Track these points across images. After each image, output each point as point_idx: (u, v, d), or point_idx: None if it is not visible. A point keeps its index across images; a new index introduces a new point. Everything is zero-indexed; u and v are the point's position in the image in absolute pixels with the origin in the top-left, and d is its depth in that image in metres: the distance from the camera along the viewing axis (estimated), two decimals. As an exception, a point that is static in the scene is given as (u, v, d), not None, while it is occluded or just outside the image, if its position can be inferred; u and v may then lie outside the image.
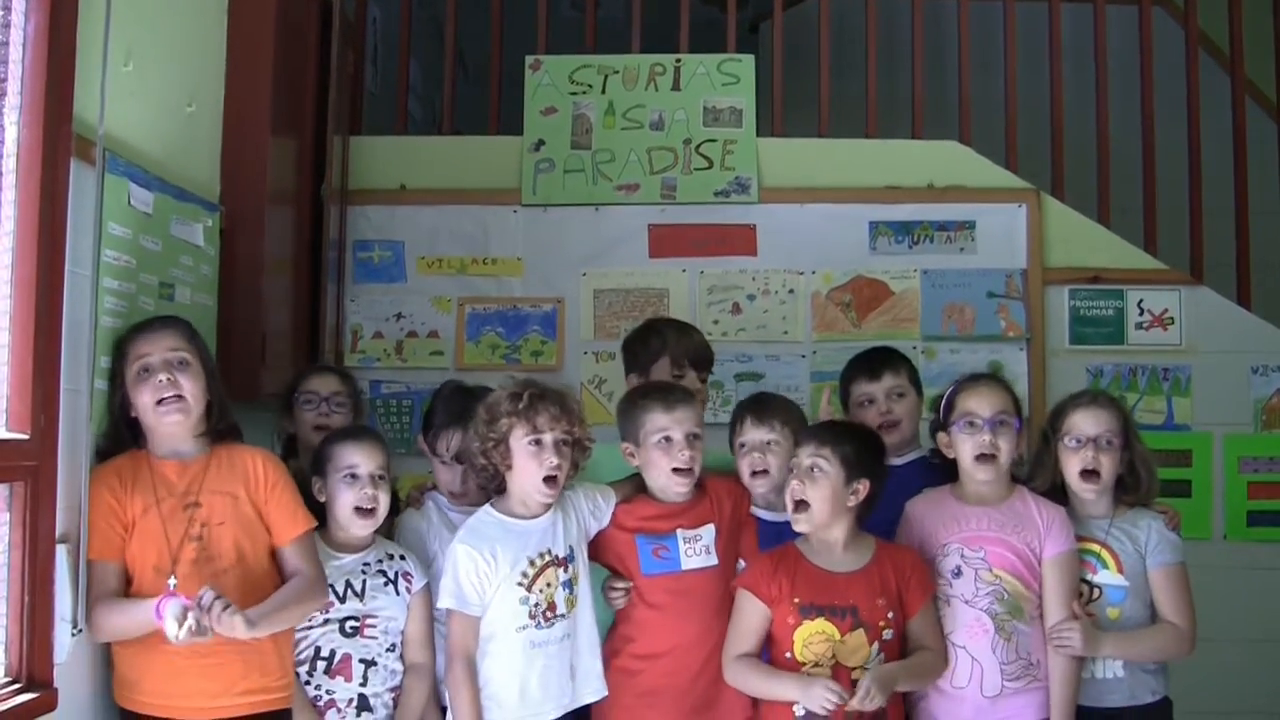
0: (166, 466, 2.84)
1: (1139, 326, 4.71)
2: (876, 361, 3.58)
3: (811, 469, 2.97)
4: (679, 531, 3.11)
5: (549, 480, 2.96)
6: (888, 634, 2.98)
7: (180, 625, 2.53)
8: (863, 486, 2.98)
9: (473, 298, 4.73)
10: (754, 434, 3.18)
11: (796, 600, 2.98)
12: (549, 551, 3.01)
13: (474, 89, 5.21)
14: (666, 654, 3.09)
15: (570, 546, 3.04)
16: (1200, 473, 4.66)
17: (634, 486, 3.20)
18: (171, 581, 2.69)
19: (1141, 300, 4.71)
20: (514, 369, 4.52)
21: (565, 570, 3.01)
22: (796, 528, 3.00)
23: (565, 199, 4.74)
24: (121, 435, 2.86)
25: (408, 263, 4.74)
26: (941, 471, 3.31)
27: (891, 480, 3.15)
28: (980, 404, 3.13)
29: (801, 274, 4.71)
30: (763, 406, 3.23)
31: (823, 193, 4.73)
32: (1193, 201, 4.93)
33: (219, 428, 2.91)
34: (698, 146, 4.75)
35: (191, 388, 2.82)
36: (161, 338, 2.84)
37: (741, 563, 3.18)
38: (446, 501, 3.32)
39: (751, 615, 3.03)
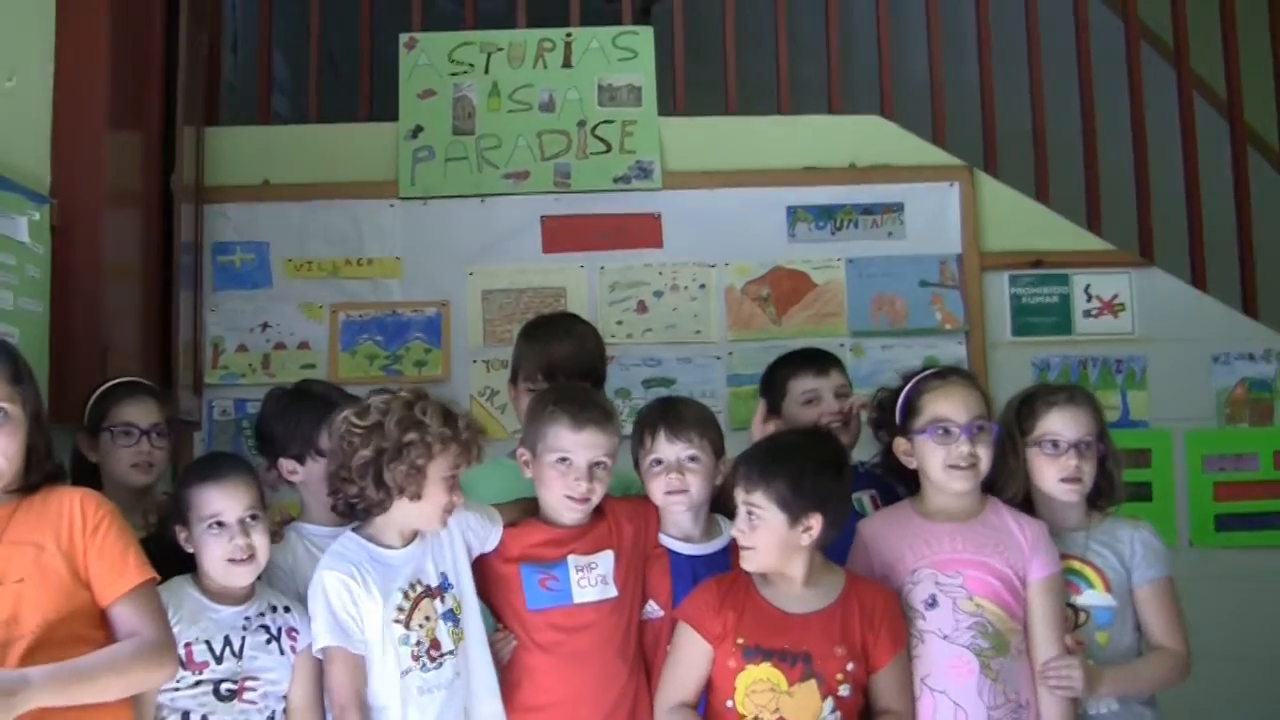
0: None
1: (1087, 314, 4.63)
2: (822, 357, 3.45)
3: (749, 515, 2.75)
4: (570, 558, 2.88)
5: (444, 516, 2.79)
6: (844, 690, 2.74)
7: None
8: (815, 522, 2.75)
9: (347, 303, 4.56)
10: (668, 449, 2.92)
11: (740, 640, 2.75)
12: (419, 582, 2.78)
13: (344, 85, 5.04)
14: (558, 704, 2.86)
15: (443, 574, 2.81)
16: (1160, 473, 4.55)
17: (523, 511, 2.97)
18: None
19: (1089, 285, 4.63)
20: (394, 381, 4.32)
21: (441, 600, 2.79)
22: (745, 567, 2.80)
23: (447, 190, 4.60)
24: None
25: (273, 266, 4.57)
26: (885, 483, 3.19)
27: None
28: (954, 408, 2.91)
29: (713, 266, 4.58)
30: (676, 417, 2.96)
31: (734, 176, 4.61)
32: (1139, 173, 4.86)
33: (32, 481, 2.52)
34: (593, 129, 4.65)
35: (5, 446, 2.45)
36: None
37: (652, 604, 2.95)
38: (310, 527, 3.04)
39: (691, 654, 2.80)
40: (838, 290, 4.59)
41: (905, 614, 2.86)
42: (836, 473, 2.85)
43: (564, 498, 2.85)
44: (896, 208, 4.63)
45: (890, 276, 4.59)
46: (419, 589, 2.77)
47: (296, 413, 3.01)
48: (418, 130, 4.63)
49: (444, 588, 2.81)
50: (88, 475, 3.12)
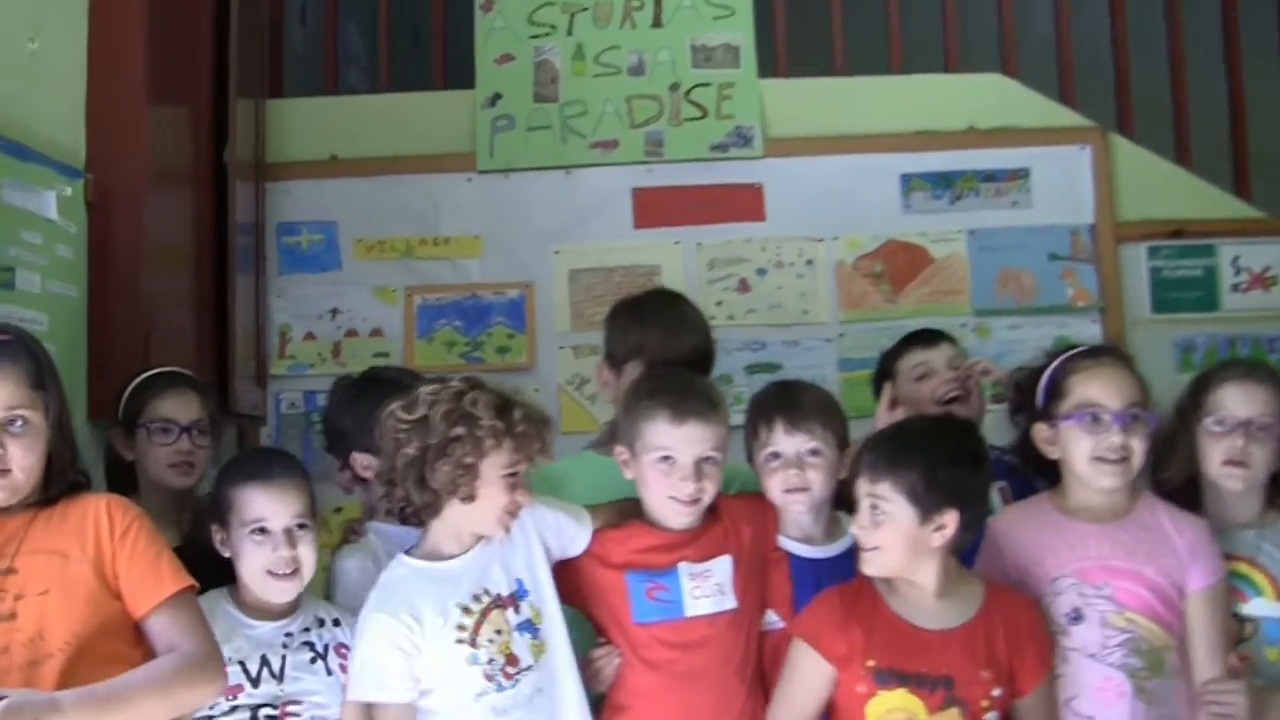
0: None
1: (1235, 288, 4.38)
2: (930, 331, 3.33)
3: (873, 509, 2.47)
4: (682, 566, 2.60)
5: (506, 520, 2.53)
6: (990, 718, 2.47)
7: None
8: (949, 520, 2.46)
9: (423, 286, 4.38)
10: (787, 442, 2.65)
11: (872, 662, 2.47)
12: (485, 592, 2.51)
13: (424, 57, 4.89)
14: None
15: (518, 580, 2.55)
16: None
17: (620, 514, 2.70)
18: None
19: (1237, 257, 4.38)
20: (476, 369, 4.15)
21: (515, 610, 2.52)
22: (866, 570, 2.52)
23: (529, 162, 4.42)
24: None
25: (342, 247, 4.39)
26: (1019, 473, 2.92)
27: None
28: (1106, 392, 2.61)
29: (821, 241, 4.37)
30: (795, 405, 2.69)
31: (842, 141, 4.40)
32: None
33: (52, 494, 2.27)
34: (687, 93, 4.44)
35: (22, 458, 2.20)
36: None
37: (771, 614, 2.68)
38: (388, 527, 2.77)
39: (811, 676, 2.52)
40: (959, 265, 4.36)
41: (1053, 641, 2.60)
42: (975, 465, 2.55)
43: (669, 500, 2.59)
44: (1021, 174, 4.40)
45: (1016, 249, 4.36)
46: (485, 600, 2.50)
47: (368, 402, 2.72)
48: (496, 98, 4.44)
49: (518, 596, 2.53)
50: (123, 475, 2.91)
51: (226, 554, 2.55)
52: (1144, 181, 4.42)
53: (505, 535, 2.52)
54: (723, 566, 2.62)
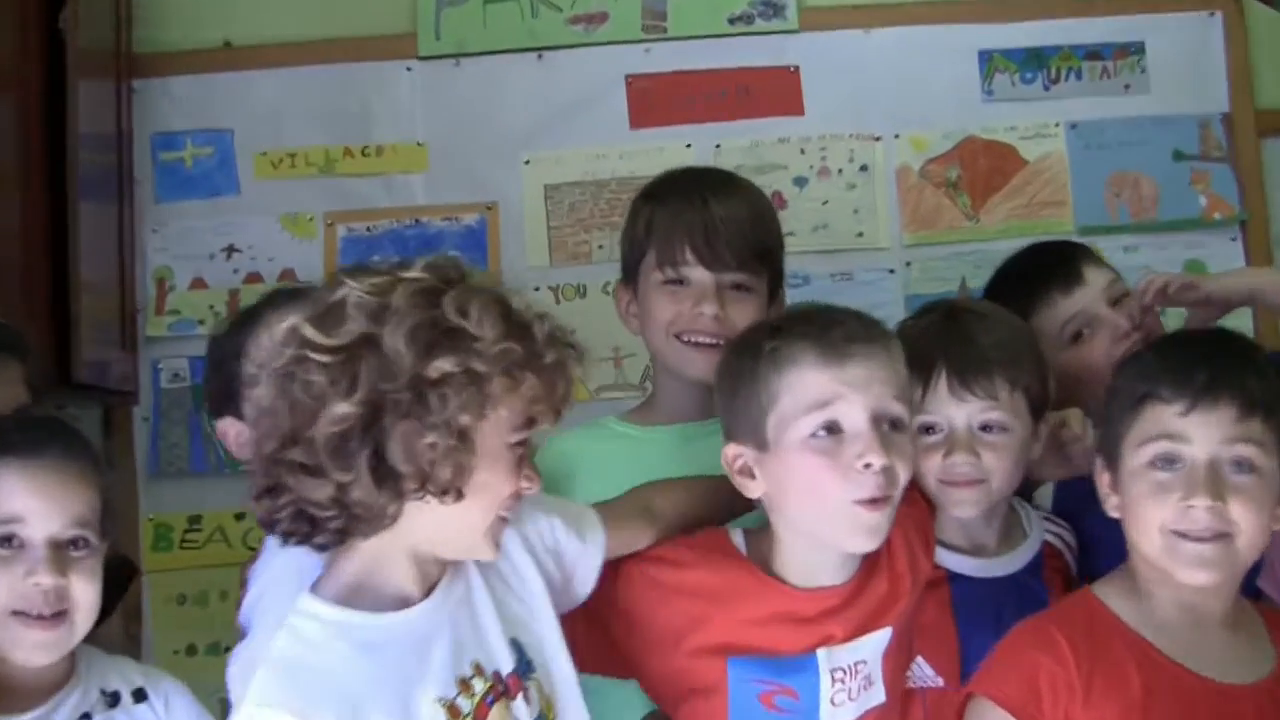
0: None
1: None
2: (1059, 259, 2.58)
3: (1240, 466, 1.77)
4: (823, 654, 1.89)
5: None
6: None
7: None
8: None
9: (349, 212, 3.72)
10: (955, 409, 2.06)
11: None
12: (477, 670, 1.64)
13: None
14: None
15: (515, 643, 1.71)
16: None
17: (674, 513, 1.99)
18: None
19: None
20: None
21: (525, 698, 1.68)
22: (1209, 580, 1.79)
23: (488, 44, 3.75)
24: None
25: (240, 163, 3.71)
26: None
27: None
28: None
29: (878, 140, 3.72)
30: (968, 351, 2.08)
31: (901, 10, 3.78)
32: None
33: None
34: None
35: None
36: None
37: (920, 664, 2.02)
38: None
39: None
40: (1057, 168, 3.73)
41: None
42: None
43: (849, 507, 1.85)
44: (1134, 49, 3.77)
45: (1130, 147, 3.75)
46: (480, 684, 1.65)
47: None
48: (443, -40, 3.88)
49: (523, 672, 1.70)
50: None
51: None
52: (1291, 57, 3.93)
53: (495, 558, 1.70)
54: (877, 645, 1.91)
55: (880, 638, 1.88)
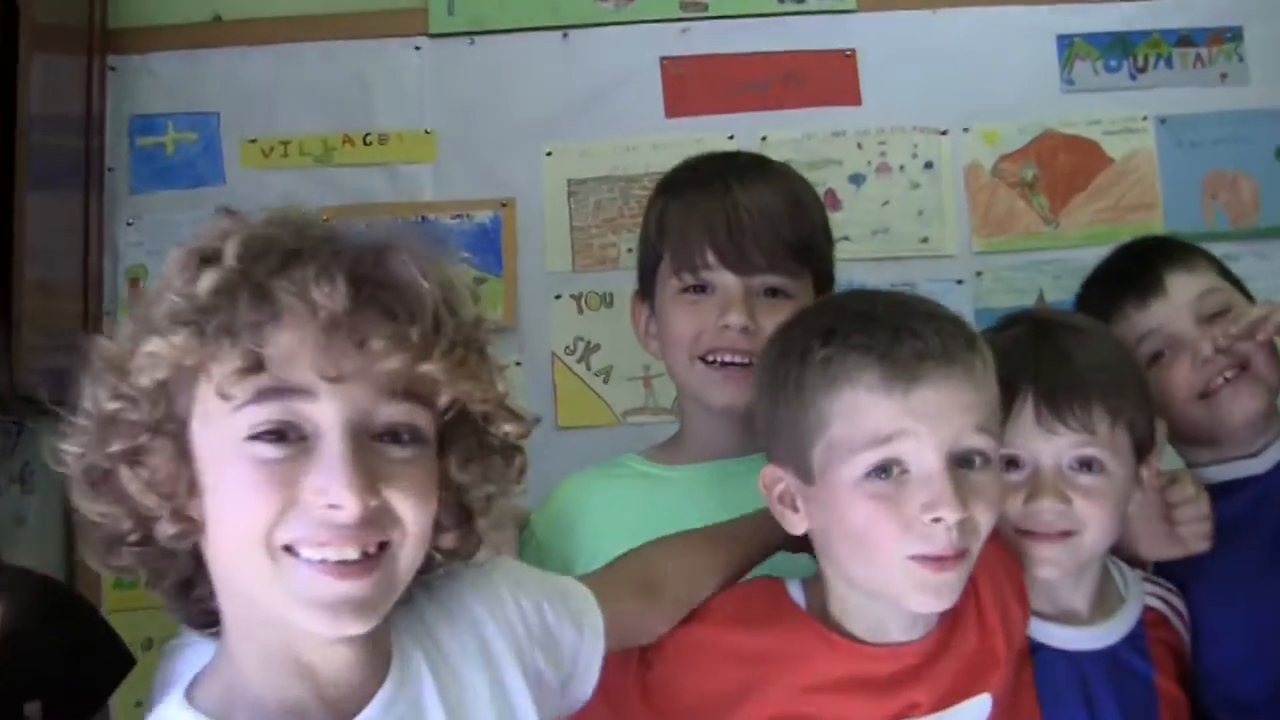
0: None
1: None
2: (1145, 263, 2.19)
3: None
4: None
5: None
6: None
7: None
8: None
9: (348, 206, 3.36)
10: (1041, 444, 1.75)
11: None
12: None
13: None
14: None
15: None
16: None
17: (700, 563, 1.66)
18: None
19: None
20: None
21: None
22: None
23: (508, 22, 3.47)
24: None
25: (227, 150, 3.44)
26: None
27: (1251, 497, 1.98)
28: None
29: (944, 134, 3.43)
30: (1063, 369, 1.78)
31: None
32: None
33: None
34: None
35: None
36: None
37: None
38: None
39: None
40: (1146, 167, 3.42)
41: None
42: None
43: (910, 564, 1.53)
44: (1230, 34, 3.47)
45: (1228, 144, 3.45)
46: None
47: None
48: (457, -71, 3.68)
49: None
50: None
51: None
52: None
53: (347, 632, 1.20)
54: (975, 717, 1.61)
55: (978, 707, 1.56)
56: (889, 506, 1.49)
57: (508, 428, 1.27)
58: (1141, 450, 1.77)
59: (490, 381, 1.25)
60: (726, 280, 1.84)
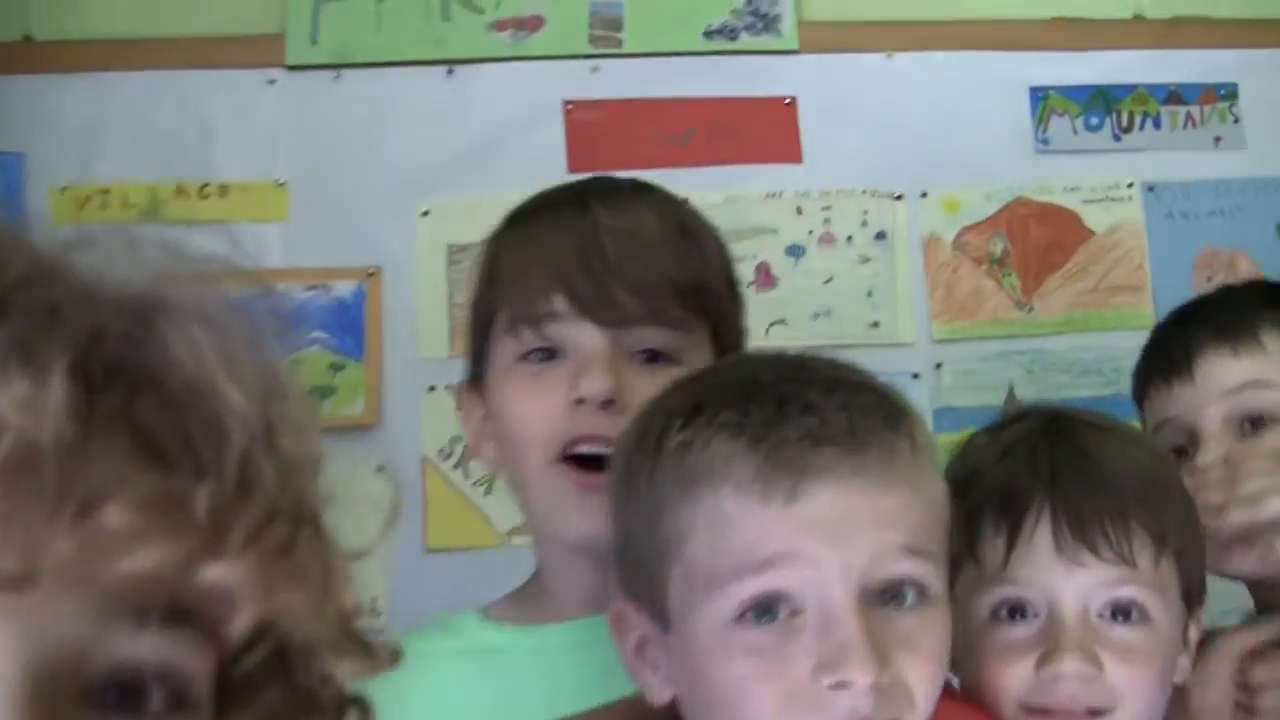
0: None
1: None
2: (1176, 343, 1.78)
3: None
4: None
5: None
6: None
7: None
8: None
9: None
10: (1060, 578, 1.32)
11: None
12: None
13: None
14: None
15: None
16: None
17: None
18: None
19: None
20: None
21: None
22: None
23: (380, 53, 3.06)
24: None
25: (32, 199, 3.04)
26: None
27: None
28: None
29: (899, 199, 3.09)
30: (1094, 483, 1.34)
31: (932, 31, 3.18)
32: None
33: None
34: None
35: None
36: None
37: None
38: None
39: None
40: (1131, 241, 3.12)
41: None
42: None
43: None
44: (1224, 92, 3.19)
45: (1223, 216, 3.19)
46: None
47: None
48: (323, -58, 3.34)
49: None
50: None
51: None
52: None
53: None
54: None
55: None
56: (768, 665, 1.07)
57: (348, 665, 0.75)
58: (1190, 598, 1.36)
59: (327, 585, 0.72)
60: (582, 336, 1.30)
